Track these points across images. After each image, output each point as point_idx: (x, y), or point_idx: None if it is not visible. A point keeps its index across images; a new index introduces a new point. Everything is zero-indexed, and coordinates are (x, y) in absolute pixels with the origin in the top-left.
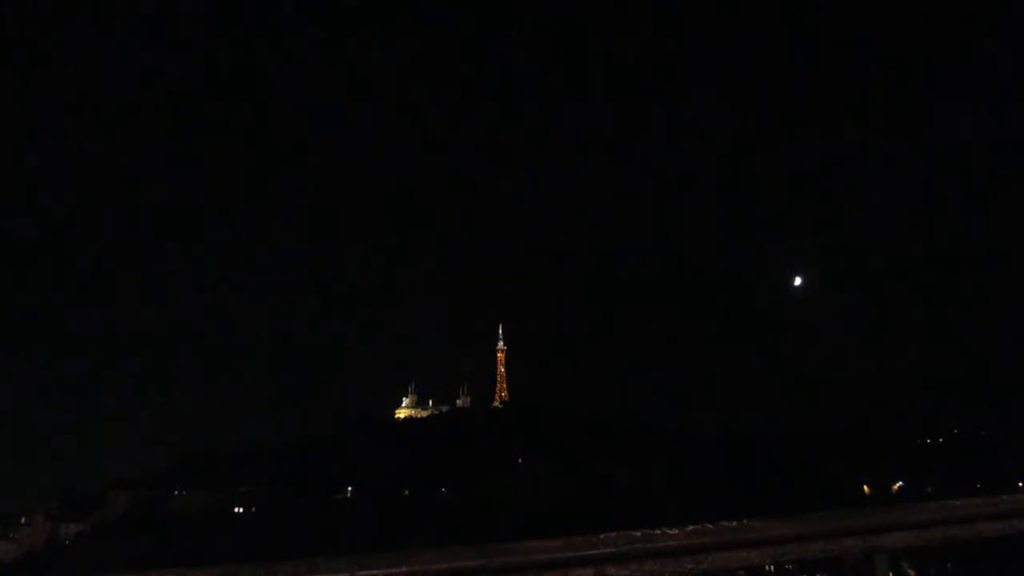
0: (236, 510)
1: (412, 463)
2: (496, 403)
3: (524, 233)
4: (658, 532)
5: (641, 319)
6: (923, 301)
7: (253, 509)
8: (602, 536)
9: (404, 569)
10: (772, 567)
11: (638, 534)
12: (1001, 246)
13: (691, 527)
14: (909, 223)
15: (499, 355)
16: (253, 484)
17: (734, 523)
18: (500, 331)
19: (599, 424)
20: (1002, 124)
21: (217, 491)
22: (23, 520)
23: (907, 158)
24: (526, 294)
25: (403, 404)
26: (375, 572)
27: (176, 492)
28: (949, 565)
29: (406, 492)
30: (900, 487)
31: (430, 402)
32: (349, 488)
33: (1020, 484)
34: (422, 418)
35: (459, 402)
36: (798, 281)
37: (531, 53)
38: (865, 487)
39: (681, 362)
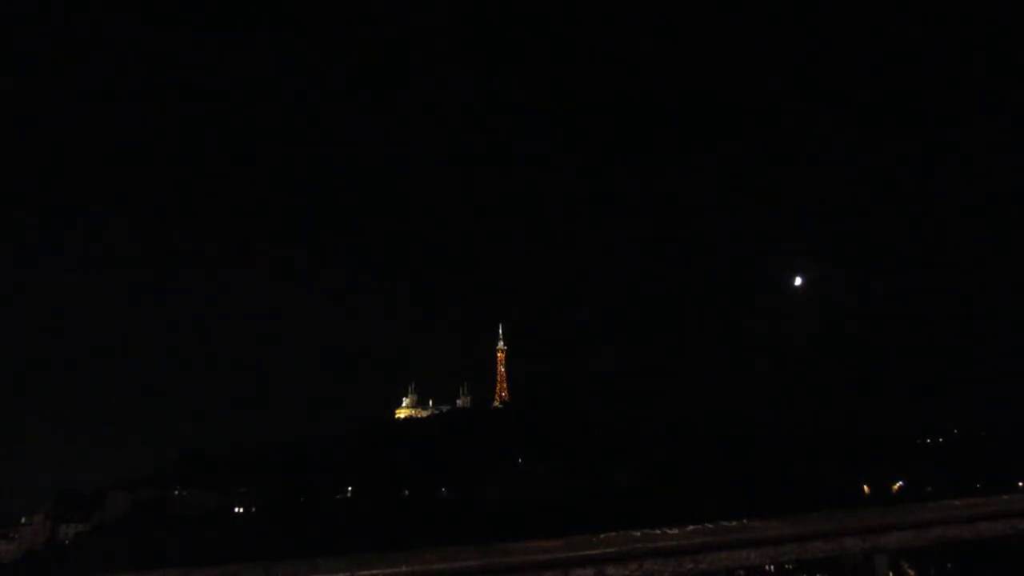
0: (236, 510)
1: (412, 463)
2: (496, 403)
3: (524, 233)
4: (658, 532)
5: (641, 319)
6: (923, 301)
7: (253, 509)
8: (602, 536)
9: (404, 569)
10: (772, 567)
11: (638, 534)
12: (1001, 245)
13: (691, 527)
14: (909, 223)
15: (499, 355)
16: (253, 484)
17: (734, 523)
18: (500, 331)
19: (599, 424)
20: (1001, 123)
21: (217, 491)
22: (23, 520)
23: (907, 157)
24: (526, 294)
25: (403, 404)
26: (375, 572)
27: (176, 492)
28: (949, 565)
29: (406, 492)
30: (900, 487)
31: (430, 402)
32: (349, 488)
33: (1020, 484)
34: (422, 418)
35: (459, 402)
36: (798, 281)
37: (529, 53)
38: (865, 487)
39: (681, 362)
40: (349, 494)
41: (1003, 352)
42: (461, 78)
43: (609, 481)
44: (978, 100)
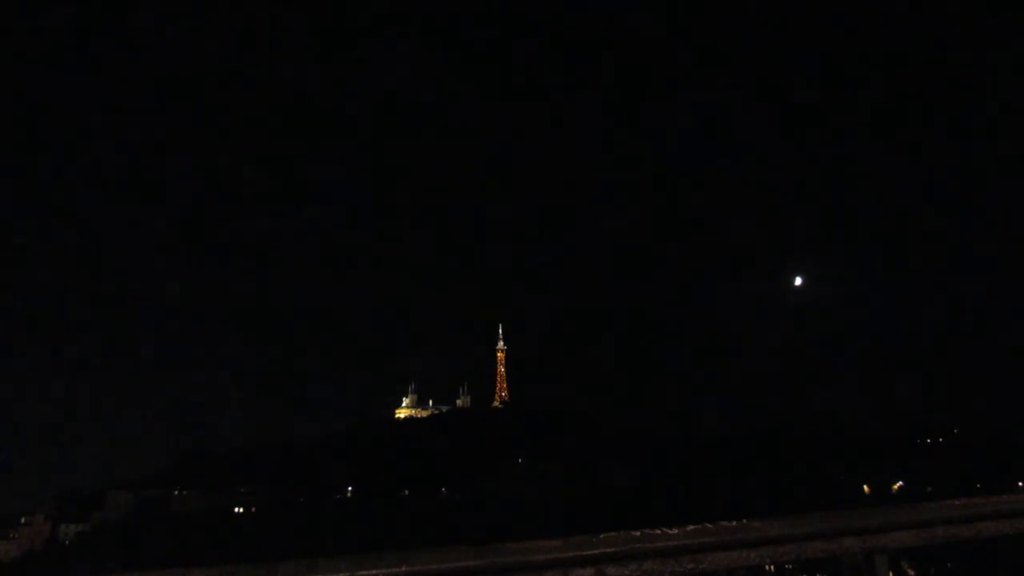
0: (236, 510)
1: (412, 463)
2: (496, 403)
3: (524, 233)
4: (658, 532)
5: (640, 320)
6: (923, 301)
7: (253, 509)
8: (602, 536)
9: (404, 569)
10: (772, 567)
11: (638, 534)
12: (1002, 245)
13: (691, 527)
14: (910, 223)
15: (499, 355)
16: (253, 484)
17: (734, 523)
18: (500, 331)
19: (599, 424)
20: (1001, 123)
21: (217, 491)
22: (23, 520)
23: (908, 158)
24: (526, 294)
25: (403, 404)
26: (375, 572)
27: (176, 492)
28: (949, 565)
29: (406, 492)
30: (900, 487)
31: (430, 402)
32: (349, 488)
33: (1020, 484)
34: (422, 418)
35: (459, 402)
36: (798, 281)
37: (531, 55)
38: (865, 487)
39: (681, 362)
40: (349, 494)
41: (1003, 352)
42: (456, 80)
43: (609, 481)
44: (977, 99)
